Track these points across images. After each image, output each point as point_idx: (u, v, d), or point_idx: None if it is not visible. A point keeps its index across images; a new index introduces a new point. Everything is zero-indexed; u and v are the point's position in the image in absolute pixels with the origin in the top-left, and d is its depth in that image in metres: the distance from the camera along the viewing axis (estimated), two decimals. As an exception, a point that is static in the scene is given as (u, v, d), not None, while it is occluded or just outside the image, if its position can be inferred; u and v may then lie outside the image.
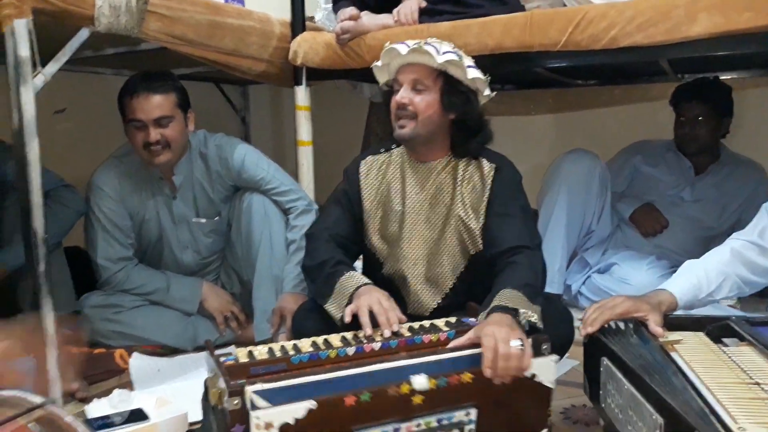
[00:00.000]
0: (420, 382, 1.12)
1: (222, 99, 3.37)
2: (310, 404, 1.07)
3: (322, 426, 1.09)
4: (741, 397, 1.06)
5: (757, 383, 1.12)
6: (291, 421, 1.06)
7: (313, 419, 1.07)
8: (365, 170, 1.67)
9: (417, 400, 1.13)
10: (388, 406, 1.12)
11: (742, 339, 1.34)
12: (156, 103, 1.87)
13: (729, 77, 2.64)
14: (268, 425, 1.06)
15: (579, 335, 1.53)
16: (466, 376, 1.16)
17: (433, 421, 1.15)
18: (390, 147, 1.70)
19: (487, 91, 1.57)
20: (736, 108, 2.39)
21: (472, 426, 1.19)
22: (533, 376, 1.21)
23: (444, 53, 1.50)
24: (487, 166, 1.58)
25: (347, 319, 1.38)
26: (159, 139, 1.88)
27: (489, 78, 1.56)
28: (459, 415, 1.17)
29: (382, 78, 1.65)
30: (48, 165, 1.63)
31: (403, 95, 1.53)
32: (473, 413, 1.18)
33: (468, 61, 1.55)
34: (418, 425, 1.15)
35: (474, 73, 1.53)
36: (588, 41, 1.78)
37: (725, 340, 1.36)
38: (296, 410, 1.06)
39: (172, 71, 2.07)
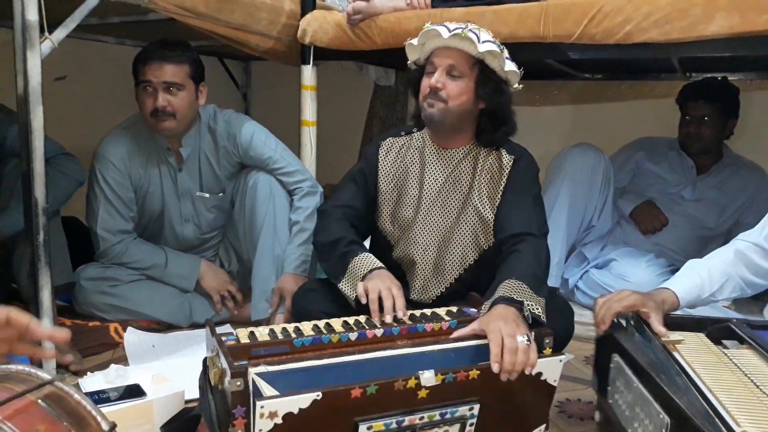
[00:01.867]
0: (428, 377, 1.11)
1: (224, 74, 3.34)
2: (315, 395, 1.05)
3: (326, 416, 1.07)
4: (743, 400, 1.07)
5: (759, 387, 1.12)
6: (295, 411, 1.05)
7: (317, 409, 1.06)
8: (384, 151, 1.66)
9: (422, 393, 1.12)
10: (393, 399, 1.11)
11: (742, 341, 1.34)
12: (168, 70, 1.87)
13: (735, 78, 2.63)
14: (273, 414, 1.04)
15: (578, 330, 1.55)
16: (474, 373, 1.14)
17: (436, 414, 1.15)
18: (411, 130, 1.67)
19: (516, 84, 1.55)
20: (740, 109, 2.39)
21: (474, 420, 1.18)
22: (539, 374, 1.20)
23: (484, 42, 1.48)
24: (507, 158, 1.57)
25: (363, 300, 1.36)
26: (166, 106, 1.87)
27: (523, 72, 1.54)
28: (462, 410, 1.16)
29: (413, 56, 1.61)
30: (47, 133, 1.60)
31: (438, 79, 1.50)
32: (476, 408, 1.17)
33: (506, 52, 1.53)
34: (421, 418, 1.14)
35: (510, 66, 1.51)
36: (602, 35, 1.76)
37: (725, 342, 1.36)
38: (301, 401, 1.05)
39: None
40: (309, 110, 2.27)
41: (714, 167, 2.44)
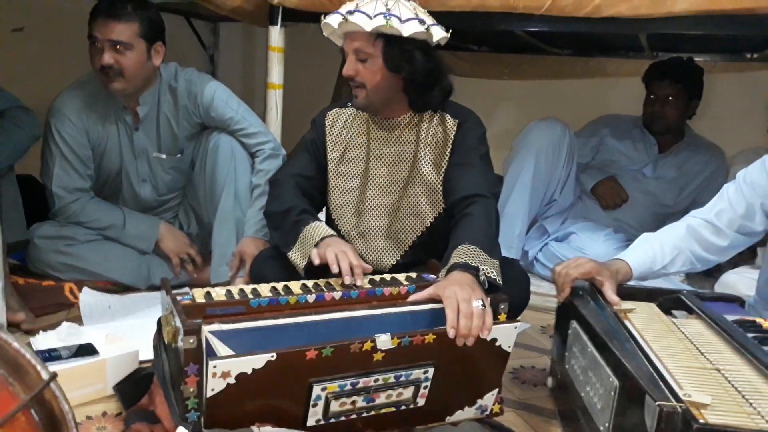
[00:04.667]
0: (384, 340, 1.11)
1: (191, 34, 3.24)
2: (270, 356, 1.04)
3: (280, 376, 1.07)
4: (688, 366, 1.10)
5: (704, 354, 1.16)
6: (248, 371, 1.04)
7: (271, 370, 1.05)
8: (330, 122, 1.65)
9: (378, 356, 1.12)
10: (348, 361, 1.11)
11: (690, 312, 1.39)
12: (114, 28, 1.81)
13: (700, 59, 2.66)
14: (225, 374, 1.03)
15: (536, 300, 1.58)
16: (429, 337, 1.15)
17: (391, 377, 1.16)
18: None
19: (439, 35, 1.48)
20: (703, 91, 2.42)
21: (428, 383, 1.20)
22: (494, 340, 1.21)
23: (376, 16, 1.42)
24: (451, 122, 1.57)
25: (316, 261, 1.36)
26: (112, 64, 1.82)
27: (431, 25, 1.47)
28: (417, 373, 1.17)
29: (339, 43, 1.58)
30: (1, 85, 1.54)
31: (348, 67, 1.50)
32: (431, 372, 1.19)
33: (407, 12, 1.44)
34: (376, 380, 1.15)
35: (411, 29, 1.44)
36: (572, 7, 1.76)
37: (675, 312, 1.40)
38: (255, 361, 1.04)
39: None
40: (276, 73, 2.22)
41: (675, 146, 2.49)
